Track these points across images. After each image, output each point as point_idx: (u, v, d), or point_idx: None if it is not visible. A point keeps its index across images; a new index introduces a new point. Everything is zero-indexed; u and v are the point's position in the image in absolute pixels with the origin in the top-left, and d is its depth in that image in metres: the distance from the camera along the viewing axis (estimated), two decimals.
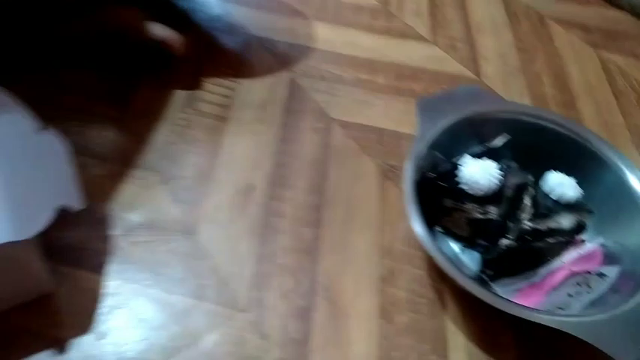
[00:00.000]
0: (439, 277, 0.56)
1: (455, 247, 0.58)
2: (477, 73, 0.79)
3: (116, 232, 0.56)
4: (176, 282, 0.53)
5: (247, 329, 0.51)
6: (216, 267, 0.55)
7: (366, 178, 0.64)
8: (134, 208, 0.58)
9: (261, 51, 0.78)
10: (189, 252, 0.55)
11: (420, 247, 0.56)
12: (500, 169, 0.54)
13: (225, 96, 0.70)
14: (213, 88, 0.71)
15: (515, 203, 0.54)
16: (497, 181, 0.53)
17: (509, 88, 0.77)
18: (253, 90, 0.72)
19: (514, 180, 0.55)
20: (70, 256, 0.53)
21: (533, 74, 0.80)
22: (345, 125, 0.70)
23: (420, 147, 0.55)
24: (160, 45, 0.68)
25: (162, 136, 0.65)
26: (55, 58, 0.69)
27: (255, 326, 0.51)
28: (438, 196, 0.55)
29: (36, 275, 0.49)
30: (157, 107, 0.68)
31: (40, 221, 0.43)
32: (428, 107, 0.59)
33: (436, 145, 0.56)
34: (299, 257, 0.57)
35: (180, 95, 0.70)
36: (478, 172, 0.52)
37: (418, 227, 0.50)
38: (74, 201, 0.47)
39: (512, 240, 0.52)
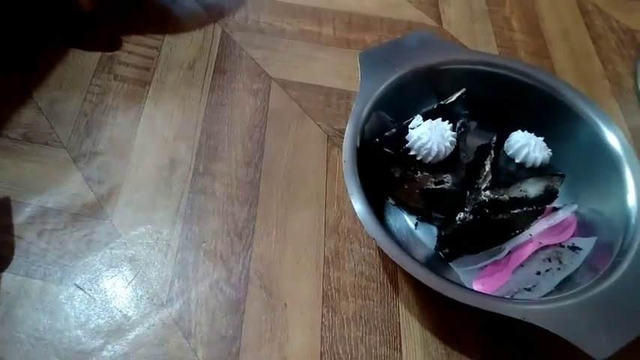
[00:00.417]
0: None
1: (410, 221, 0.51)
2: (438, 20, 0.71)
3: (17, 220, 0.49)
4: (88, 275, 0.47)
5: (169, 327, 0.45)
6: (134, 256, 0.48)
7: (310, 146, 0.57)
8: (40, 191, 0.51)
9: (189, 2, 0.69)
10: (103, 240, 0.49)
11: None
12: (456, 130, 0.47)
13: (148, 57, 0.62)
14: (134, 48, 0.62)
15: (475, 169, 0.47)
16: (450, 145, 0.45)
17: (474, 36, 0.69)
18: (180, 48, 0.63)
19: (473, 142, 0.47)
20: None
21: (501, 18, 0.72)
22: (285, 85, 0.61)
23: (362, 107, 0.47)
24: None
25: (74, 106, 0.57)
26: None
27: (178, 323, 0.45)
28: (387, 165, 0.47)
29: None
30: (68, 73, 0.59)
31: None
32: (373, 60, 0.51)
33: (383, 105, 0.49)
34: (230, 241, 0.50)
35: (94, 58, 0.61)
36: (427, 135, 0.44)
37: (358, 204, 0.42)
38: None
39: (469, 213, 0.44)
